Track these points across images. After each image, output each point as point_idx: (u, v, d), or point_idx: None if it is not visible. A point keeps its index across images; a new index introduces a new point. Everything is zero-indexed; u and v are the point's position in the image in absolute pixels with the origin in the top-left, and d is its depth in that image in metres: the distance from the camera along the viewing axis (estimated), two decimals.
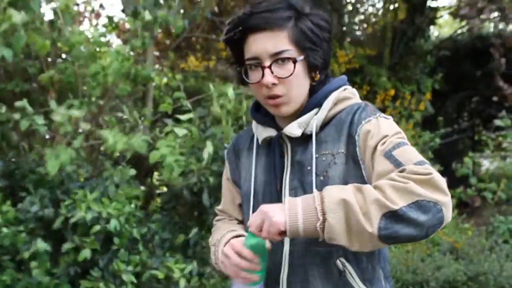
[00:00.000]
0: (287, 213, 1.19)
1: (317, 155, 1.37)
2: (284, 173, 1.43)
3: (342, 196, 1.15)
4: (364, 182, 1.29)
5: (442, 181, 1.16)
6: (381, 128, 1.30)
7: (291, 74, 1.33)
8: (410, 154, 1.23)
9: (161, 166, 3.14)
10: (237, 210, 1.63)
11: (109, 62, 3.31)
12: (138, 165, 4.41)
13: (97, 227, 2.99)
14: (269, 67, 1.33)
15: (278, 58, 1.33)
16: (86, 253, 2.96)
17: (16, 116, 3.01)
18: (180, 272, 3.25)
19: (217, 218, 1.70)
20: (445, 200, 1.14)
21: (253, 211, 1.40)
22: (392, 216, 1.11)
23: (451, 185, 6.59)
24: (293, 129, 1.39)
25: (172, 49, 6.04)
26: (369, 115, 1.35)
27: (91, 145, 3.71)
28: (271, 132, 1.46)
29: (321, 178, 1.35)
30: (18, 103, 3.00)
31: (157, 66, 5.76)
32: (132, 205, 3.26)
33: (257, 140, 1.52)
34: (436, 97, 7.71)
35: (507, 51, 7.17)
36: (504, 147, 7.17)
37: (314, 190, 1.23)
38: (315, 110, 1.41)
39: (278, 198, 1.42)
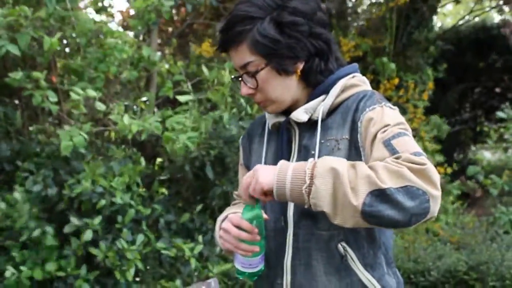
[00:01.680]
0: (277, 173, 1.23)
1: (322, 141, 1.39)
2: (291, 157, 1.45)
3: (334, 165, 1.17)
4: None
5: (436, 175, 1.16)
6: (384, 117, 1.31)
7: (257, 86, 1.40)
8: (408, 144, 1.23)
9: (173, 144, 3.12)
10: None
11: (110, 50, 3.28)
12: (140, 151, 4.41)
13: (102, 202, 2.97)
14: (242, 79, 1.42)
15: (245, 71, 1.40)
16: (89, 235, 2.95)
17: (29, 86, 2.96)
18: (190, 251, 3.26)
19: (233, 202, 1.73)
20: (435, 193, 1.14)
21: None
22: (379, 194, 1.12)
23: (452, 176, 6.61)
24: (300, 114, 1.41)
25: (175, 36, 6.00)
26: (374, 103, 1.35)
27: (97, 132, 3.70)
28: (280, 118, 1.48)
29: None
30: (34, 73, 2.95)
31: (159, 53, 5.74)
32: (135, 188, 3.26)
33: (269, 125, 1.55)
34: (438, 87, 7.70)
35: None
36: (506, 138, 7.15)
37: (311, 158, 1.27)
38: (322, 97, 1.42)
39: None
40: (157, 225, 3.53)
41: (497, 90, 8.25)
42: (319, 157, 1.35)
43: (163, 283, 3.32)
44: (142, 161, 3.50)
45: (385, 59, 6.23)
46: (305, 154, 1.41)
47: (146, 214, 3.27)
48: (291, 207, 1.41)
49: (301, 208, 1.37)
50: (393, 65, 6.19)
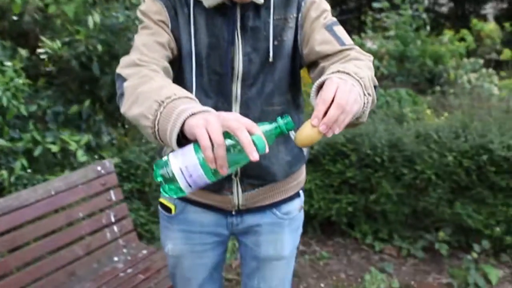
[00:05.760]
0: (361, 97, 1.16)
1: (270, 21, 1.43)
2: (235, 38, 1.41)
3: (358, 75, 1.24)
4: (296, 45, 1.46)
5: None
6: (322, 2, 1.46)
7: None
8: (345, 33, 1.42)
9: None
10: (162, 53, 1.39)
11: None
12: (22, 42, 4.22)
13: None
14: None
15: None
16: None
17: None
18: (76, 144, 3.31)
19: (131, 70, 1.31)
20: None
21: (196, 72, 1.42)
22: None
23: None
24: None
25: None
26: None
27: None
28: None
29: (275, 42, 1.44)
30: None
31: None
32: (20, 80, 3.18)
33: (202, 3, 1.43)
34: None
35: None
36: (385, 26, 7.53)
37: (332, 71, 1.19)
38: None
39: (231, 62, 1.42)
40: (44, 117, 3.47)
41: None
42: (273, 37, 1.42)
43: (49, 175, 3.25)
44: (24, 53, 3.37)
45: None
46: (252, 35, 1.41)
47: (31, 111, 3.22)
48: (238, 87, 1.44)
49: (255, 89, 1.44)
50: None
